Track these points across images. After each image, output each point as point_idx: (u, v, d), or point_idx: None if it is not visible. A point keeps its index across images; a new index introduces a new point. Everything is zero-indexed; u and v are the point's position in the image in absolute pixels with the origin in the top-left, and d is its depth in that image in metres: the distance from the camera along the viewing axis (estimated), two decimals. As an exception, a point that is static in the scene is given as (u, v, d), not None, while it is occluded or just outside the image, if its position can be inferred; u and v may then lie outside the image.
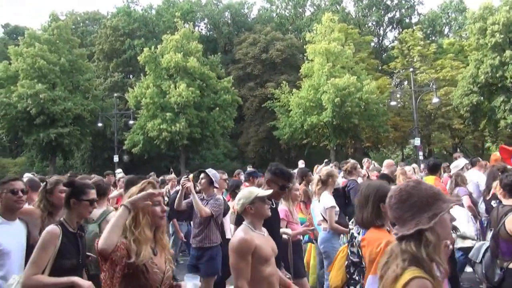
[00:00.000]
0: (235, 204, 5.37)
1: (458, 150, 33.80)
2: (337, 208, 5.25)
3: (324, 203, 5.19)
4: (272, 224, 3.35)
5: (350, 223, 3.41)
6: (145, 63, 27.71)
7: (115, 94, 28.58)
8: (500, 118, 24.51)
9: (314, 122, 25.60)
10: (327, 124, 25.78)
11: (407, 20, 41.93)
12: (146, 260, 2.16)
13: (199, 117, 27.16)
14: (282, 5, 45.30)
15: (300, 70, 28.15)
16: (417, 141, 21.98)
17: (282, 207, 4.69)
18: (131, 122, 27.33)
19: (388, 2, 41.41)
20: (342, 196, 6.06)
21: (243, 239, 2.77)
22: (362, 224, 2.81)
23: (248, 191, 2.96)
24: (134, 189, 2.31)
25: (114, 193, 6.92)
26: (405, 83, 35.32)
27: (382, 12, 42.03)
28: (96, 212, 3.84)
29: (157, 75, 27.59)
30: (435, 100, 23.15)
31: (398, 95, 28.28)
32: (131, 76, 36.25)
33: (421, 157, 21.83)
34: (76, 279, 2.69)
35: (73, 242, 2.83)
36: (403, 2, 41.62)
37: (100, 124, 27.21)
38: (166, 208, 2.43)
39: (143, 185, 2.32)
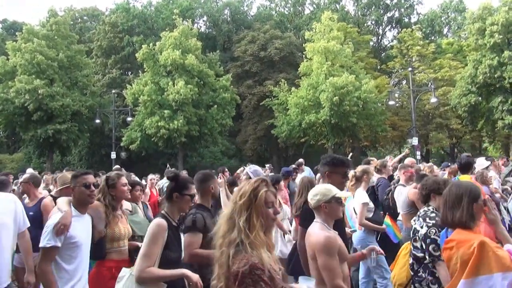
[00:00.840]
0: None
1: (456, 150, 33.94)
2: (371, 205, 5.26)
3: (357, 199, 5.22)
4: (341, 222, 3.35)
5: (413, 220, 3.39)
6: (143, 60, 27.61)
7: (113, 91, 28.49)
8: (497, 118, 24.54)
9: (312, 120, 25.57)
10: (325, 123, 25.77)
11: (406, 20, 41.96)
12: (268, 265, 1.94)
13: (197, 115, 27.10)
14: (281, 3, 45.26)
15: (299, 69, 28.11)
16: (415, 141, 22.02)
17: None
18: (129, 119, 27.25)
19: (388, 1, 41.39)
20: (373, 193, 6.08)
21: (328, 236, 2.65)
22: (451, 224, 2.65)
23: (326, 189, 2.84)
24: (247, 187, 2.08)
25: None
26: (404, 82, 35.37)
27: (382, 11, 42.02)
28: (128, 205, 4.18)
29: (155, 72, 27.51)
30: (433, 100, 23.19)
31: (396, 95, 28.30)
32: (129, 73, 36.15)
33: (418, 157, 21.88)
34: (186, 271, 2.78)
35: (176, 235, 2.94)
36: (403, 1, 41.61)
37: (98, 121, 27.14)
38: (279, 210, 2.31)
39: (256, 184, 2.09)
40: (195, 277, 2.72)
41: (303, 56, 28.66)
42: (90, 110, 28.04)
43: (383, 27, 43.57)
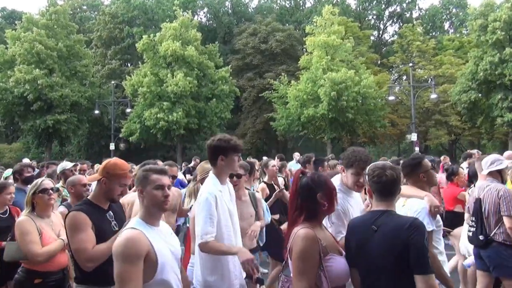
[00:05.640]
0: None
1: (454, 146, 33.97)
2: None
3: None
4: None
5: None
6: (143, 50, 27.45)
7: (113, 82, 28.38)
8: (497, 115, 24.49)
9: (310, 114, 25.49)
10: (323, 117, 25.71)
11: (408, 15, 41.78)
12: None
13: (197, 108, 27.01)
14: (282, -4, 45.04)
15: (299, 62, 27.99)
16: (414, 137, 22.05)
17: None
18: (128, 110, 27.20)
19: (390, -4, 41.24)
20: None
21: None
22: None
23: None
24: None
25: None
26: (404, 78, 35.30)
27: (383, 6, 41.84)
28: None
29: (155, 63, 27.34)
30: (433, 96, 23.15)
31: (396, 90, 28.23)
32: (129, 64, 36.00)
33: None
34: None
35: None
36: (405, -4, 41.44)
37: (97, 112, 27.07)
38: None
39: None
40: None
41: (304, 49, 28.50)
42: (90, 101, 27.96)
43: (384, 21, 43.40)
